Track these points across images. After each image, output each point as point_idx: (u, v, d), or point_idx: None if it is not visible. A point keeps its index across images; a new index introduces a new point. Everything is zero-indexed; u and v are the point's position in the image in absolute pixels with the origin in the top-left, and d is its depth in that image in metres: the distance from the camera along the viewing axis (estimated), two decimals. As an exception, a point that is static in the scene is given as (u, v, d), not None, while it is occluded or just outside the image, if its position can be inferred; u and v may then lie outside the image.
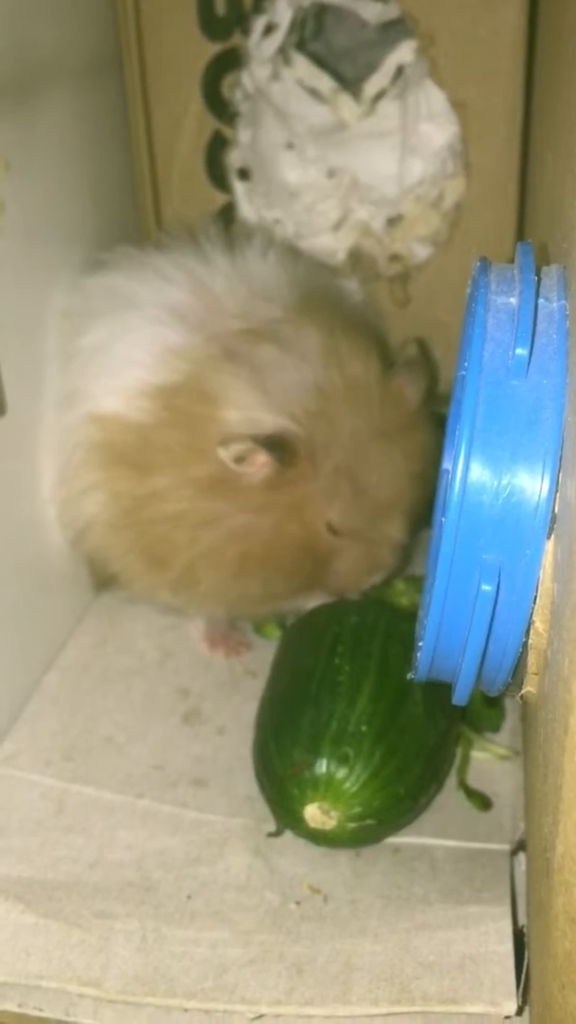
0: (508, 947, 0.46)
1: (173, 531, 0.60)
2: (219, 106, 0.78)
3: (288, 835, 0.54)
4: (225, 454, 0.57)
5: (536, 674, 0.38)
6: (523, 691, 0.40)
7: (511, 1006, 0.44)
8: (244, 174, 0.80)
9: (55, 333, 0.65)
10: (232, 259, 0.66)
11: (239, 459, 0.57)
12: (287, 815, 0.52)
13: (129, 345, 0.62)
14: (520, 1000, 0.44)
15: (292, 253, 0.73)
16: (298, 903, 0.51)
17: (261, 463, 0.57)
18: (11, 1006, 0.46)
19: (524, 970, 0.45)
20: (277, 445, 0.57)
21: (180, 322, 0.61)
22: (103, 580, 0.70)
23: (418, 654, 0.41)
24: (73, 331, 0.64)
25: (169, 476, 0.59)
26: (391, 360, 0.64)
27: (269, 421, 0.58)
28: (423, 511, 0.62)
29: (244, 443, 0.56)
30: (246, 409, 0.58)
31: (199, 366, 0.59)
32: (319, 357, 0.60)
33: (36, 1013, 0.46)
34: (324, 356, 0.60)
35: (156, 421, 0.60)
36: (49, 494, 0.65)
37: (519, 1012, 0.44)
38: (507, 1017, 0.45)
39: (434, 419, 0.64)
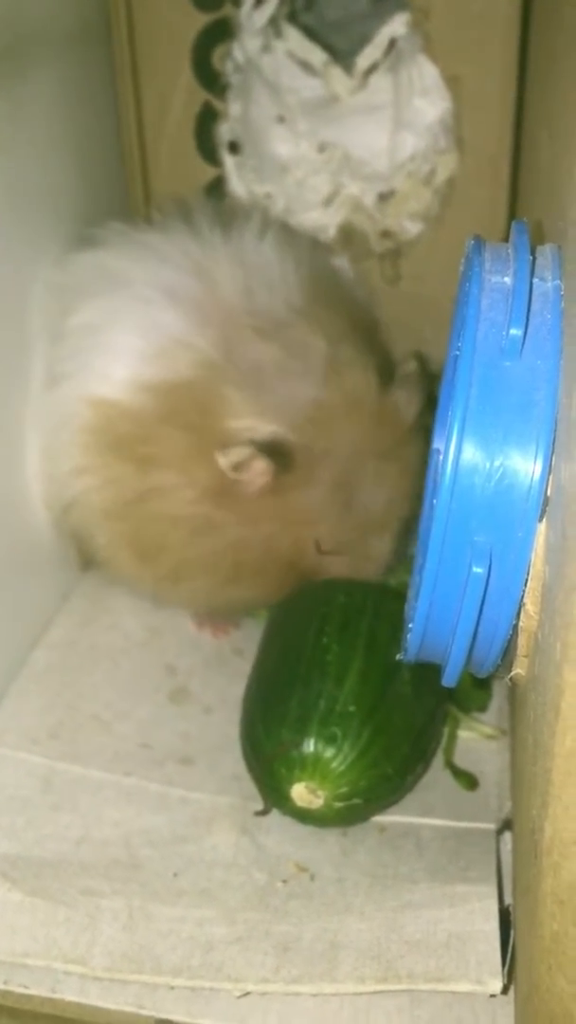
0: (494, 926, 0.47)
1: (170, 531, 0.60)
2: (209, 78, 0.77)
3: (275, 814, 0.54)
4: (224, 461, 0.56)
5: (526, 656, 0.38)
6: (512, 673, 0.40)
7: (496, 985, 0.44)
8: (234, 147, 0.79)
9: (43, 309, 0.64)
10: (229, 240, 0.64)
11: (237, 466, 0.56)
12: (274, 794, 0.52)
13: (122, 330, 0.61)
14: (505, 979, 0.45)
15: (289, 234, 0.72)
16: (285, 881, 0.51)
17: (259, 470, 0.57)
18: (-3, 983, 0.46)
19: (509, 949, 0.45)
20: (275, 451, 0.56)
21: (175, 306, 0.60)
22: (89, 558, 0.69)
23: (408, 635, 0.41)
24: (62, 309, 0.63)
25: (173, 475, 0.59)
26: (388, 364, 0.64)
27: (268, 429, 0.57)
28: (411, 523, 0.62)
29: (243, 448, 0.56)
30: (247, 416, 0.57)
31: (197, 369, 0.59)
32: (321, 368, 0.59)
33: (22, 990, 0.46)
34: (326, 368, 0.59)
35: (157, 416, 0.59)
36: (34, 472, 0.65)
37: (504, 991, 0.45)
38: (492, 996, 0.45)
39: (427, 432, 0.64)
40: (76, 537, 0.67)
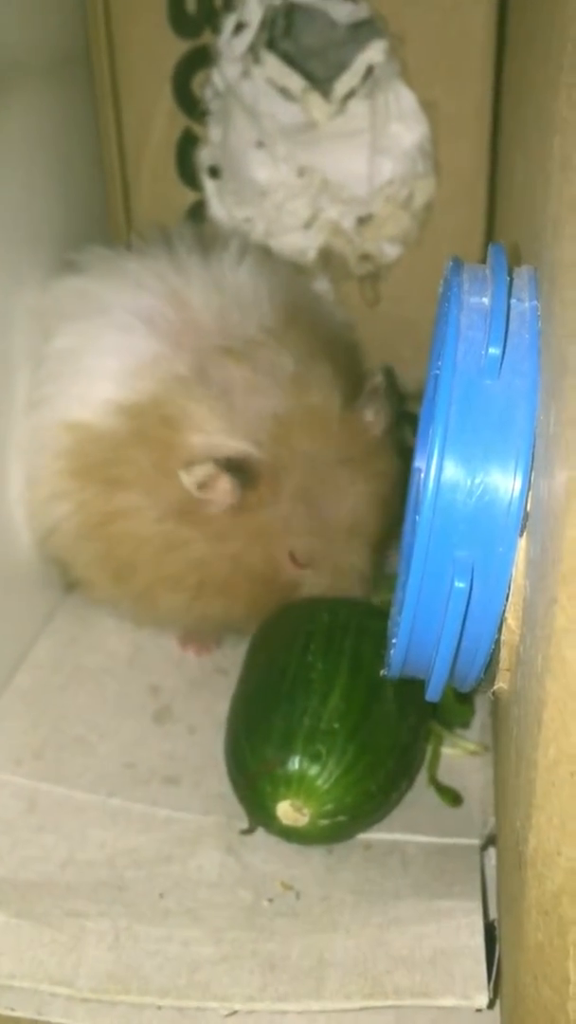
0: (479, 941, 0.47)
1: (136, 551, 0.60)
2: (189, 104, 0.78)
3: (260, 832, 0.54)
4: (188, 479, 0.57)
5: (508, 670, 0.39)
6: (495, 687, 0.41)
7: (482, 999, 0.45)
8: (214, 172, 0.80)
9: (25, 334, 0.64)
10: (207, 266, 0.65)
11: (202, 484, 0.57)
12: (259, 812, 0.52)
13: (99, 354, 0.62)
14: (491, 993, 0.45)
15: (268, 259, 0.72)
16: (271, 900, 0.51)
17: (223, 489, 0.57)
18: (-17, 1006, 0.46)
19: (495, 964, 0.46)
20: (238, 468, 0.57)
21: (152, 333, 0.61)
22: (71, 580, 0.70)
23: (391, 651, 0.42)
24: (43, 333, 0.64)
25: (137, 496, 0.60)
26: (360, 380, 0.64)
27: (232, 444, 0.58)
28: (387, 538, 0.63)
29: (206, 466, 0.56)
30: (211, 432, 0.58)
31: (167, 385, 0.59)
32: (286, 385, 0.60)
33: (8, 1012, 0.46)
34: (290, 384, 0.60)
35: (125, 438, 0.59)
36: (18, 496, 0.65)
37: (490, 1005, 0.45)
38: (478, 1010, 0.45)
39: (400, 445, 0.65)
40: (57, 561, 0.67)
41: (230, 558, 0.59)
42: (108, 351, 0.61)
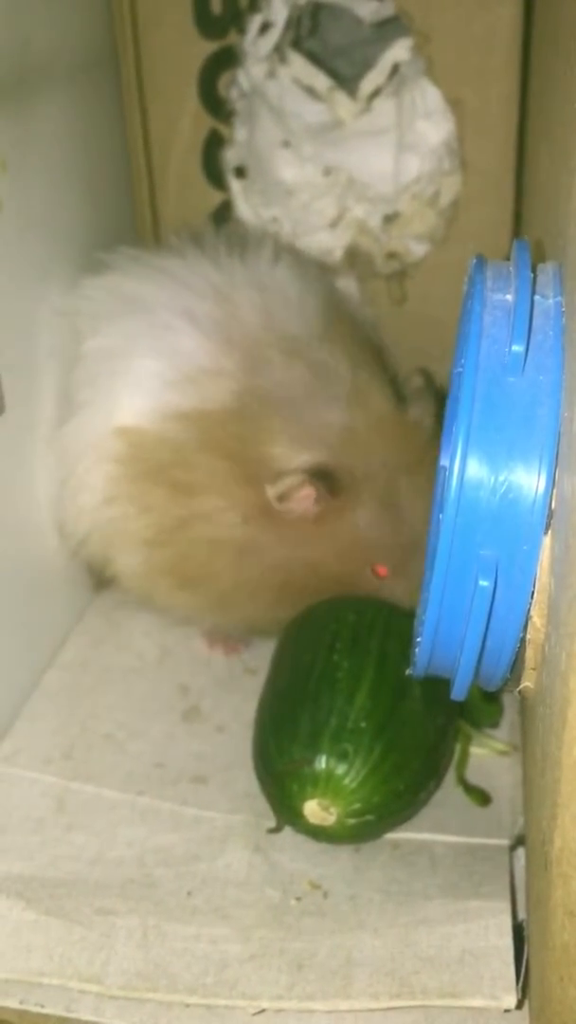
0: (508, 941, 0.47)
1: (215, 556, 0.60)
2: (215, 104, 0.78)
3: (288, 831, 0.54)
4: (273, 491, 0.56)
5: (534, 669, 0.39)
6: (521, 686, 0.40)
7: (511, 1000, 0.44)
8: (240, 172, 0.80)
9: (50, 334, 0.64)
10: (247, 265, 0.64)
11: (285, 496, 0.57)
12: (287, 811, 0.52)
13: (145, 355, 0.61)
14: (519, 994, 0.45)
15: (300, 258, 0.72)
16: (298, 899, 0.51)
17: (307, 499, 0.57)
18: (12, 1003, 0.46)
19: (523, 964, 0.45)
20: (324, 476, 0.57)
21: (199, 332, 0.60)
22: (106, 581, 0.69)
23: (416, 650, 0.41)
24: (76, 333, 0.63)
25: (214, 500, 0.59)
26: (395, 382, 0.64)
27: (309, 455, 0.57)
28: None
29: (294, 477, 0.56)
30: (285, 444, 0.58)
31: (235, 395, 0.59)
32: (346, 392, 0.60)
33: (37, 1010, 0.46)
34: (350, 391, 0.60)
35: (195, 444, 0.59)
36: (47, 497, 0.65)
37: (518, 1006, 0.45)
38: (506, 1011, 0.45)
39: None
40: (96, 563, 0.66)
41: (310, 565, 0.59)
42: (152, 353, 0.61)
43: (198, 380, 0.59)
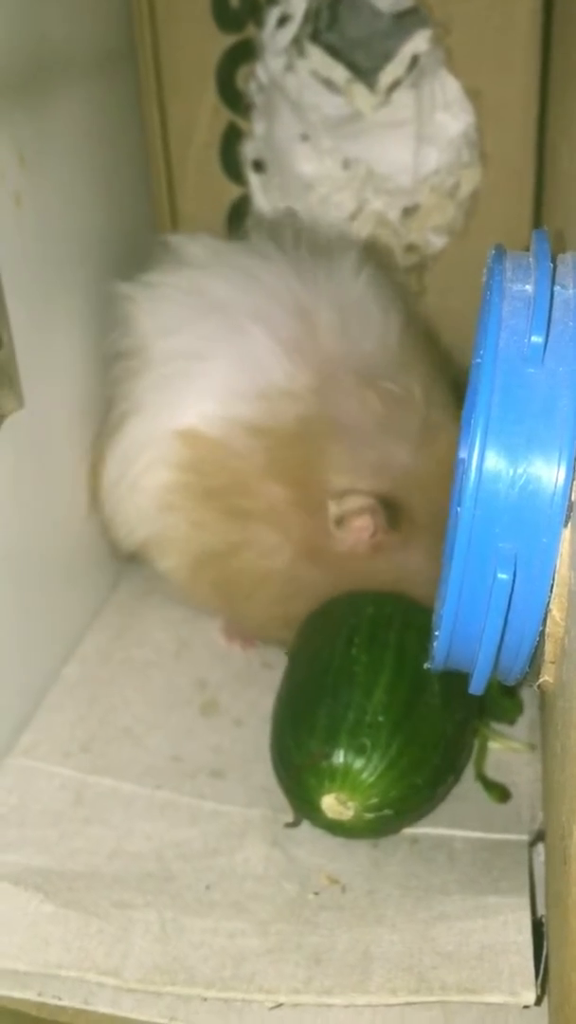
0: (527, 937, 0.46)
1: (258, 585, 0.60)
2: (233, 98, 0.78)
3: (306, 825, 0.54)
4: (336, 509, 0.55)
5: (553, 663, 0.38)
6: (540, 680, 0.40)
7: (530, 996, 0.44)
8: (259, 166, 0.80)
9: (66, 332, 0.64)
10: (330, 277, 0.62)
11: (342, 519, 0.56)
12: (305, 806, 0.52)
13: (221, 361, 0.59)
14: (539, 990, 0.44)
15: (381, 269, 0.68)
16: (316, 893, 0.51)
17: (362, 528, 0.56)
18: (31, 995, 0.46)
19: (543, 960, 0.45)
20: (388, 506, 0.56)
21: (277, 346, 0.59)
22: (133, 557, 0.69)
23: (434, 644, 0.41)
24: (132, 327, 0.62)
25: (268, 532, 0.58)
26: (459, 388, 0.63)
27: (375, 487, 0.56)
28: None
29: (360, 498, 0.55)
30: (348, 473, 0.57)
31: (306, 420, 0.57)
32: (417, 430, 0.58)
33: (55, 1002, 0.46)
34: (421, 430, 0.58)
35: (257, 467, 0.58)
36: (72, 494, 0.65)
37: (538, 1002, 0.44)
38: (525, 1007, 0.45)
39: None
40: (143, 555, 0.66)
41: None
42: (228, 359, 0.59)
43: (269, 396, 0.58)
